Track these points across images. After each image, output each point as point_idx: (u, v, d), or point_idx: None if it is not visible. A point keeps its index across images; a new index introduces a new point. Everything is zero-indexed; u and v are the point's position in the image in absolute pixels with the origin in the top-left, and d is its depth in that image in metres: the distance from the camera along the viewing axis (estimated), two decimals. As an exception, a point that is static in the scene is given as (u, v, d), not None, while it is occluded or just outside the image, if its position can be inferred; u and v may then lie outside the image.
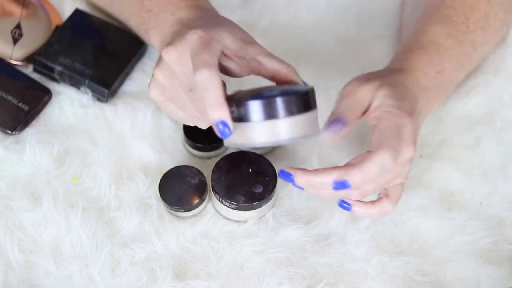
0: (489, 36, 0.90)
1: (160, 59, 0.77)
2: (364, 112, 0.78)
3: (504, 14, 0.90)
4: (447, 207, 0.88)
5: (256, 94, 0.74)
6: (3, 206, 0.85)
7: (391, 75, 0.80)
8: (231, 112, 0.73)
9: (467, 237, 0.86)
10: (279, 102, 0.73)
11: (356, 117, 0.77)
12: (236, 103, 0.73)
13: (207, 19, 0.79)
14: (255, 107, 0.73)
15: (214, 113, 0.72)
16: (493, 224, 0.88)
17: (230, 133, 0.73)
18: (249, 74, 0.79)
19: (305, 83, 0.79)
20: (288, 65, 0.78)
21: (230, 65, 0.78)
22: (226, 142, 0.76)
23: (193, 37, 0.74)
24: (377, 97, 0.77)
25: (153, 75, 0.78)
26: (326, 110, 0.79)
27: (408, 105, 0.77)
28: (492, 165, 0.91)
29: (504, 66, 0.95)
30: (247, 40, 0.78)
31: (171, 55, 0.75)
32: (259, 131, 0.74)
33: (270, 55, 0.78)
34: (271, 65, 0.77)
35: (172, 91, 0.78)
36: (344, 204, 0.79)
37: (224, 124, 0.72)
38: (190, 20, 0.80)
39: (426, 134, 0.92)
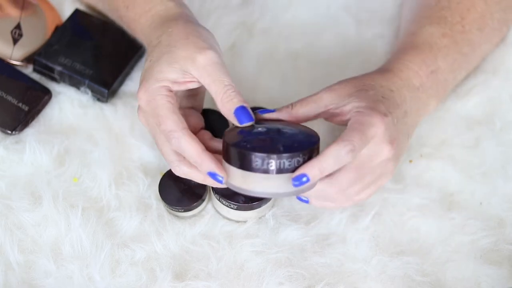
0: (486, 36, 0.90)
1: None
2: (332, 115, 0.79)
3: (501, 13, 0.90)
4: (447, 207, 0.88)
5: (258, 141, 0.75)
6: (3, 206, 0.85)
7: (368, 76, 0.81)
8: (225, 154, 0.75)
9: (467, 237, 0.86)
10: (275, 159, 0.73)
11: (309, 117, 0.79)
12: (232, 144, 0.74)
13: (152, 50, 0.80)
14: (252, 158, 0.74)
15: (202, 168, 0.76)
16: (493, 224, 0.88)
17: (222, 179, 0.76)
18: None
19: (238, 115, 0.78)
20: (227, 90, 0.77)
21: (187, 86, 0.79)
22: (226, 184, 0.77)
23: (142, 103, 0.78)
24: (351, 100, 0.78)
25: None
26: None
27: (382, 106, 0.77)
28: (492, 165, 0.91)
29: (503, 66, 0.95)
30: (193, 53, 0.77)
31: (141, 119, 0.81)
32: (254, 181, 0.75)
33: (209, 76, 0.77)
34: (210, 90, 0.78)
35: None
36: (302, 198, 0.81)
37: (214, 174, 0.76)
38: (146, 54, 0.82)
39: (426, 134, 0.92)
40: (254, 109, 0.90)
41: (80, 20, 0.95)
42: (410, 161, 0.91)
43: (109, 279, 0.82)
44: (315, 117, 0.80)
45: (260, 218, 0.86)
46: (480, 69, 0.95)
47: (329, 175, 0.76)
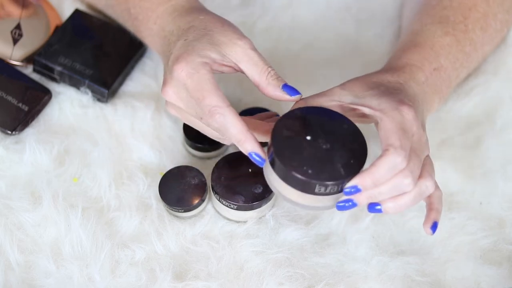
0: (489, 37, 0.90)
1: (166, 101, 0.80)
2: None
3: (503, 14, 0.90)
4: (447, 207, 0.88)
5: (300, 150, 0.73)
6: (3, 206, 0.85)
7: (375, 75, 0.80)
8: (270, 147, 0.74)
9: (467, 237, 0.86)
10: (317, 185, 0.72)
11: (316, 100, 0.77)
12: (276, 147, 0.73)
13: (185, 32, 0.79)
14: (292, 175, 0.72)
15: (244, 147, 0.75)
16: (493, 224, 0.88)
17: (263, 161, 0.75)
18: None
19: (287, 89, 0.78)
20: (268, 73, 0.78)
21: (222, 70, 0.79)
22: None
23: (182, 76, 0.76)
24: (367, 101, 0.77)
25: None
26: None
27: (398, 96, 0.77)
28: (492, 165, 0.91)
29: (504, 66, 0.95)
30: (228, 42, 0.78)
31: (171, 97, 0.78)
32: (285, 189, 0.74)
33: (250, 61, 0.78)
34: (251, 75, 0.78)
35: (188, 121, 0.80)
36: (375, 208, 0.76)
37: (257, 155, 0.75)
38: (172, 37, 0.80)
39: (426, 134, 0.92)
40: (254, 109, 0.90)
41: (80, 20, 0.95)
42: (410, 161, 0.90)
43: (109, 279, 0.82)
44: None
45: (260, 218, 0.86)
46: (480, 70, 0.95)
47: None
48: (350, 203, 0.74)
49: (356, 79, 0.80)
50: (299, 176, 0.71)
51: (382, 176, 0.72)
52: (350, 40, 1.00)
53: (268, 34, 1.00)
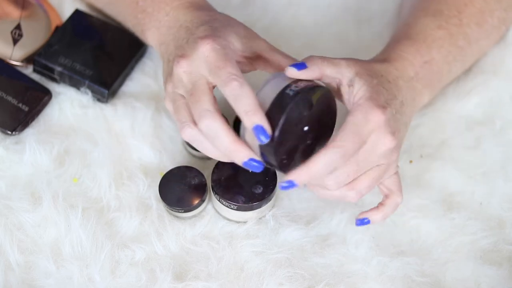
0: (485, 32, 0.90)
1: (168, 73, 0.79)
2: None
3: (501, 12, 0.90)
4: (447, 207, 0.88)
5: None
6: (3, 206, 0.85)
7: (372, 64, 0.80)
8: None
9: (467, 238, 0.86)
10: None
11: (320, 72, 0.77)
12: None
13: (209, 21, 0.80)
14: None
15: (250, 119, 0.73)
16: (493, 224, 0.88)
17: (268, 137, 0.73)
18: (256, 69, 0.82)
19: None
20: (293, 60, 0.80)
21: (239, 65, 0.79)
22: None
23: (206, 48, 0.75)
24: (355, 85, 0.77)
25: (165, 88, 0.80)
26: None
27: (382, 97, 0.77)
28: (492, 165, 0.91)
29: (503, 66, 0.95)
30: (250, 36, 0.80)
31: (183, 67, 0.77)
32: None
33: (274, 50, 0.80)
34: (276, 60, 0.80)
35: (171, 98, 0.79)
36: (363, 221, 0.81)
37: (261, 128, 0.73)
38: (192, 24, 0.80)
39: (426, 134, 0.92)
40: None
41: (80, 20, 0.95)
42: (410, 161, 0.91)
43: (109, 279, 0.82)
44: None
45: (260, 218, 0.86)
46: (480, 70, 0.95)
47: None
48: (287, 184, 0.74)
49: (362, 62, 0.79)
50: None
51: (319, 171, 0.73)
52: (350, 40, 1.00)
53: (268, 34, 0.99)
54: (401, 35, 0.86)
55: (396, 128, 0.77)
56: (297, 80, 0.76)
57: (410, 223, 0.87)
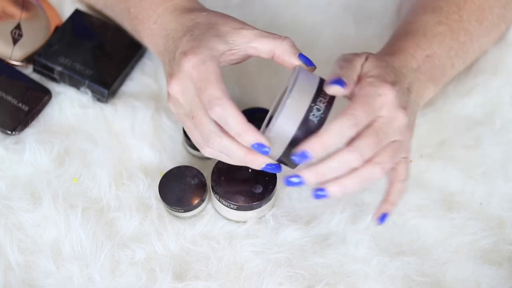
0: (485, 29, 0.90)
1: (167, 91, 0.79)
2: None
3: (500, 9, 0.90)
4: (447, 207, 0.88)
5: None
6: (3, 206, 0.85)
7: (378, 56, 0.80)
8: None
9: (467, 237, 0.86)
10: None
11: (353, 81, 0.76)
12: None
13: (191, 28, 0.79)
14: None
15: (245, 140, 0.74)
16: (493, 224, 0.88)
17: (269, 149, 0.74)
18: (249, 58, 0.81)
19: (304, 59, 0.79)
20: (283, 40, 0.79)
21: (231, 60, 0.79)
22: (271, 157, 0.76)
23: (188, 66, 0.76)
24: (364, 66, 0.77)
25: None
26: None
27: (390, 76, 0.77)
28: (492, 165, 0.91)
29: (504, 66, 0.95)
30: (235, 30, 0.79)
31: (175, 89, 0.77)
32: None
33: (262, 36, 0.79)
34: (264, 48, 0.79)
35: (181, 119, 0.80)
36: (318, 193, 0.75)
37: (258, 146, 0.74)
38: (177, 34, 0.80)
39: (426, 134, 0.92)
40: (253, 109, 0.90)
41: (80, 20, 0.95)
42: (410, 161, 0.90)
43: (109, 279, 0.82)
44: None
45: (260, 218, 0.86)
46: (480, 69, 0.95)
47: (349, 143, 0.74)
48: (298, 180, 0.73)
49: (378, 56, 0.79)
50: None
51: (332, 141, 0.72)
52: (350, 40, 1.00)
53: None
54: (401, 31, 0.86)
55: (406, 105, 0.77)
56: (316, 96, 0.75)
57: (410, 223, 0.87)
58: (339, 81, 0.74)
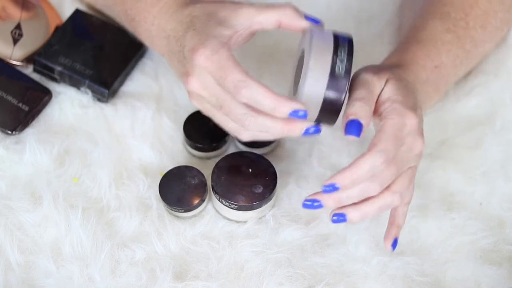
0: (489, 35, 0.90)
1: (186, 90, 0.79)
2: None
3: (504, 13, 0.90)
4: (447, 207, 0.88)
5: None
6: (3, 206, 0.85)
7: (395, 69, 0.81)
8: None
9: (467, 238, 0.86)
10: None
11: (371, 111, 0.76)
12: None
13: (190, 23, 0.79)
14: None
15: (280, 112, 0.73)
16: (493, 224, 0.88)
17: (304, 115, 0.73)
18: (256, 32, 0.81)
19: (311, 19, 0.79)
20: (285, 7, 0.79)
21: (240, 41, 0.79)
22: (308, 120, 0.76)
23: (202, 61, 0.75)
24: (385, 90, 0.77)
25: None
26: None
27: (412, 100, 0.77)
28: (492, 165, 0.91)
29: (504, 67, 0.95)
30: (233, 11, 0.79)
31: (195, 86, 0.77)
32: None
33: (263, 10, 0.78)
34: (270, 19, 0.78)
35: (210, 113, 0.79)
36: (338, 218, 0.76)
37: (294, 112, 0.73)
38: (177, 33, 0.80)
39: (426, 134, 0.91)
40: None
41: (80, 20, 0.95)
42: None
43: (109, 279, 0.82)
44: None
45: (260, 218, 0.86)
46: (481, 70, 0.95)
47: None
48: (317, 203, 0.75)
49: (397, 76, 0.79)
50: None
51: (362, 176, 0.73)
52: (350, 40, 1.00)
53: (268, 34, 0.99)
54: (411, 38, 0.86)
55: (422, 131, 0.78)
56: (335, 49, 0.76)
57: (410, 223, 0.87)
58: (356, 125, 0.74)
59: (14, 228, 0.84)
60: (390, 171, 0.74)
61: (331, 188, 0.73)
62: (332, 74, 0.74)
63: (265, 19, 0.78)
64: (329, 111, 0.75)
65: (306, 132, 0.76)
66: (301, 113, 0.74)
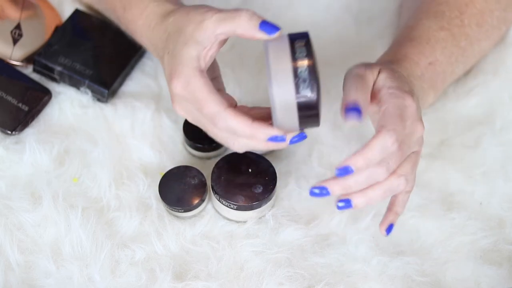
0: (485, 33, 0.90)
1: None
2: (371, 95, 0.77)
3: (500, 12, 0.90)
4: (447, 207, 0.88)
5: None
6: (3, 206, 0.85)
7: (388, 64, 0.80)
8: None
9: (467, 237, 0.86)
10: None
11: (367, 99, 0.75)
12: None
13: (166, 43, 0.79)
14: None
15: (259, 138, 0.75)
16: (493, 224, 0.88)
17: (285, 136, 0.74)
18: (226, 42, 0.79)
19: (265, 28, 0.75)
20: (240, 16, 0.75)
21: (211, 55, 0.77)
22: (292, 130, 0.76)
23: (178, 90, 0.76)
24: (379, 79, 0.77)
25: None
26: (327, 110, 0.79)
27: (407, 86, 0.77)
28: (492, 165, 0.91)
29: (503, 67, 0.95)
30: (197, 22, 0.76)
31: (180, 112, 0.78)
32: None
33: (221, 21, 0.76)
34: (229, 31, 0.76)
35: (205, 130, 0.79)
36: (344, 205, 0.75)
37: (275, 137, 0.74)
38: (158, 51, 0.81)
39: (426, 134, 0.91)
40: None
41: (80, 20, 0.95)
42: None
43: (109, 279, 0.82)
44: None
45: (260, 218, 0.86)
46: (480, 70, 0.95)
47: None
48: (324, 191, 0.74)
49: (389, 67, 0.79)
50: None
51: (374, 157, 0.72)
52: (350, 40, 1.00)
53: (268, 34, 1.00)
54: (404, 37, 0.86)
55: (421, 117, 0.77)
56: (293, 53, 0.74)
57: (409, 223, 0.87)
58: (355, 109, 0.73)
59: (14, 228, 0.84)
60: (398, 153, 0.74)
61: (345, 171, 0.72)
62: (296, 78, 0.73)
63: (226, 31, 0.76)
64: (307, 116, 0.74)
65: (292, 142, 0.76)
66: (279, 138, 0.74)
